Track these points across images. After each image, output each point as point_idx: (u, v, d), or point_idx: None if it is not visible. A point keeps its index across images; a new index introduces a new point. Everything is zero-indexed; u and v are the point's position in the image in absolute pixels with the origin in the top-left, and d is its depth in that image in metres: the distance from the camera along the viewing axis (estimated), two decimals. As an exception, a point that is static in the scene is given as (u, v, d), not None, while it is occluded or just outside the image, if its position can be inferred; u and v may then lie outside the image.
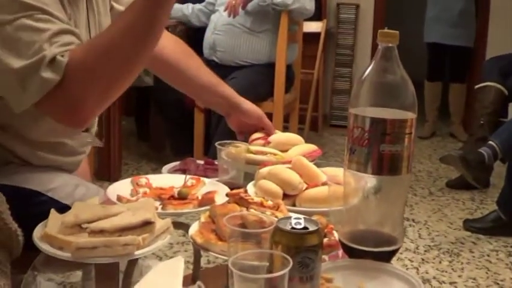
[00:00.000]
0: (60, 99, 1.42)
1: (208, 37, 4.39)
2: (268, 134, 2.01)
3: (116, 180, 4.24)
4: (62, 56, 1.40)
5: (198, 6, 4.69)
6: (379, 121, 1.20)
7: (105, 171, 4.38)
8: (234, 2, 4.16)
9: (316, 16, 4.64)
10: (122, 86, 1.52)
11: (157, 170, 4.60)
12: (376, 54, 1.25)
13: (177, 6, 4.74)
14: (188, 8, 4.70)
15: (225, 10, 4.22)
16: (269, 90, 4.14)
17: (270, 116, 4.33)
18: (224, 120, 3.93)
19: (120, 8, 1.89)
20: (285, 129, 4.39)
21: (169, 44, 2.06)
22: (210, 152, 4.09)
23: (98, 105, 1.51)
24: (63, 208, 1.68)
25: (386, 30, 1.25)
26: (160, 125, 4.80)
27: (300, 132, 4.86)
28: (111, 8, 1.90)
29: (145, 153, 5.07)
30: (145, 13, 1.43)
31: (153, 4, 1.42)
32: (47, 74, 1.38)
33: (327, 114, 6.36)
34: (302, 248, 1.10)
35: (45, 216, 1.47)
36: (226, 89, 2.17)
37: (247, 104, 2.15)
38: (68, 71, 1.39)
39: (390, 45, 1.24)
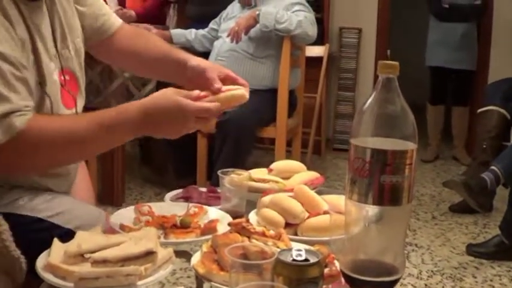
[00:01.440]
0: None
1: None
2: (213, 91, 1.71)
3: (119, 204, 4.30)
4: (19, 115, 1.46)
5: (201, 32, 4.72)
6: (380, 152, 1.20)
7: (109, 196, 4.38)
8: (236, 28, 4.18)
9: (319, 40, 4.66)
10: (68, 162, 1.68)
11: (160, 195, 4.65)
12: (376, 85, 1.26)
13: (180, 31, 4.77)
14: (191, 34, 4.73)
15: (227, 36, 4.24)
16: (272, 116, 4.15)
17: (272, 141, 4.35)
18: (227, 145, 3.98)
19: (82, 9, 1.91)
20: (288, 153, 4.40)
21: (120, 37, 2.03)
22: (213, 178, 4.09)
23: (35, 170, 1.65)
24: (65, 233, 1.70)
25: (386, 62, 1.26)
26: (163, 149, 4.81)
27: (302, 156, 4.88)
28: (83, 25, 1.92)
29: (149, 178, 5.07)
30: (109, 136, 1.58)
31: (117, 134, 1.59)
32: None
33: (329, 138, 6.37)
34: (303, 280, 1.11)
35: (47, 242, 1.48)
36: (181, 54, 2.00)
37: (196, 60, 1.95)
38: (18, 138, 1.46)
39: (391, 76, 1.25)
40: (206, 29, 4.71)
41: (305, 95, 4.83)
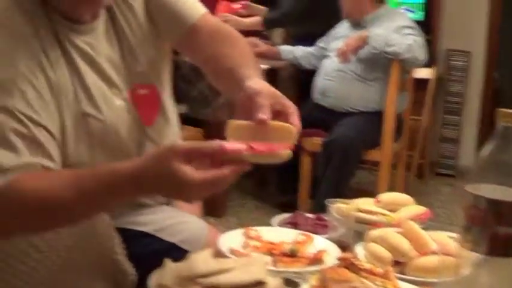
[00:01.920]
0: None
1: (319, 82, 4.44)
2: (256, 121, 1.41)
3: (221, 215, 4.36)
4: (2, 173, 1.37)
5: (309, 49, 4.74)
6: (496, 202, 1.20)
7: (211, 207, 4.43)
8: (345, 48, 4.18)
9: (426, 62, 4.61)
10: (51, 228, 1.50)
11: (261, 209, 4.70)
12: (495, 134, 1.26)
13: (288, 48, 4.81)
14: (299, 51, 4.76)
15: (336, 56, 4.25)
16: (377, 139, 4.14)
17: (376, 164, 4.32)
18: (332, 165, 3.99)
19: (166, 20, 1.75)
20: (391, 175, 4.37)
21: (202, 33, 1.76)
22: (315, 198, 4.11)
23: (11, 235, 1.48)
24: (170, 247, 1.75)
25: (505, 110, 1.26)
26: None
27: (406, 179, 4.84)
28: (156, 24, 1.75)
29: (250, 190, 5.12)
30: (95, 206, 1.41)
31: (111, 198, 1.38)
32: None
33: (433, 162, 6.28)
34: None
35: (153, 256, 1.53)
36: (247, 70, 1.63)
37: (254, 80, 1.56)
38: (2, 196, 1.36)
39: (509, 125, 1.24)
40: (314, 47, 4.73)
41: (410, 117, 4.80)
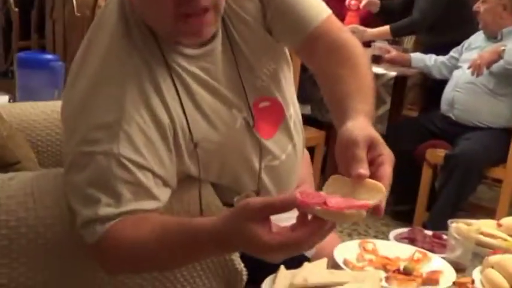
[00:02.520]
0: (92, 254, 1.46)
1: (448, 93, 4.35)
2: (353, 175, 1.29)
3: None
4: (103, 222, 1.40)
5: (440, 58, 4.65)
6: None
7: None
8: (479, 61, 4.08)
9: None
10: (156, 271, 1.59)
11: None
12: None
13: (420, 56, 4.74)
14: (431, 60, 4.67)
15: (468, 68, 4.16)
16: (503, 156, 4.00)
17: (498, 181, 4.20)
18: (453, 179, 3.90)
19: (273, 11, 1.67)
20: None
21: (323, 41, 1.66)
22: (433, 210, 4.05)
23: (127, 273, 1.59)
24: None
25: None
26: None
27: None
28: (271, 32, 1.70)
29: (366, 196, 5.07)
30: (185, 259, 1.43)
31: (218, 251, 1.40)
32: (82, 232, 1.43)
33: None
34: None
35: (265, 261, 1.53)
36: (353, 104, 1.48)
37: (354, 122, 1.41)
38: (99, 244, 1.41)
39: None
40: (446, 56, 4.63)
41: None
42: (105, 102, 1.46)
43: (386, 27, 5.06)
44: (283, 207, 1.19)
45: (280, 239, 1.19)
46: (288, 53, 1.81)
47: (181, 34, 1.52)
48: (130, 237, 1.38)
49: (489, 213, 3.87)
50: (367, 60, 1.69)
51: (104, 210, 1.40)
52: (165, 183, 1.51)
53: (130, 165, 1.42)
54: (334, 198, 1.20)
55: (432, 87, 4.79)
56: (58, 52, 5.08)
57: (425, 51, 4.87)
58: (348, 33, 1.72)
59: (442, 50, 4.66)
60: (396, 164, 4.30)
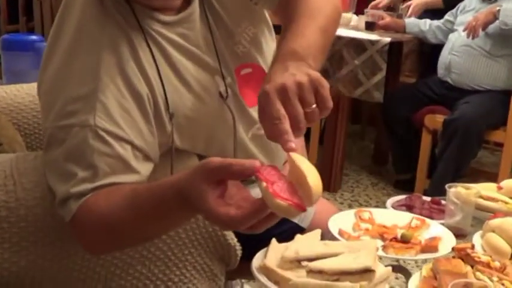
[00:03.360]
0: (73, 232, 1.40)
1: (445, 57, 4.28)
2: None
3: (335, 190, 4.33)
4: (78, 198, 1.34)
5: (435, 23, 4.58)
6: None
7: (326, 181, 4.40)
8: (474, 23, 4.01)
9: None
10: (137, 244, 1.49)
11: (377, 185, 4.63)
12: None
13: (414, 21, 4.67)
14: (426, 24, 4.60)
15: (464, 30, 4.09)
16: (503, 119, 3.94)
17: (500, 145, 4.14)
18: (453, 144, 3.85)
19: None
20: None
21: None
22: (433, 176, 4.00)
23: (110, 251, 1.49)
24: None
25: None
26: (386, 139, 4.75)
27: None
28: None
29: (367, 166, 5.04)
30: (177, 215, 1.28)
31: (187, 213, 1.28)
32: (60, 210, 1.38)
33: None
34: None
35: (259, 233, 1.48)
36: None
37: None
38: (74, 221, 1.35)
39: None
40: (441, 20, 4.57)
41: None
42: (80, 74, 1.40)
43: None
44: (240, 171, 1.10)
45: (220, 211, 1.11)
46: (267, 15, 1.74)
47: None
48: (103, 208, 1.32)
49: (491, 178, 3.80)
50: (332, 10, 1.54)
51: (80, 185, 1.35)
52: (146, 157, 1.45)
53: (107, 137, 1.37)
54: (289, 185, 1.09)
55: (429, 52, 4.71)
56: (47, 33, 5.01)
57: (422, 15, 4.81)
58: None
59: (439, 13, 4.62)
60: (395, 132, 4.28)
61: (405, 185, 4.34)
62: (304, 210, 1.08)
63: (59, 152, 1.38)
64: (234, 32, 1.63)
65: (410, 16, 4.84)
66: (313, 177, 1.10)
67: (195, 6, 1.57)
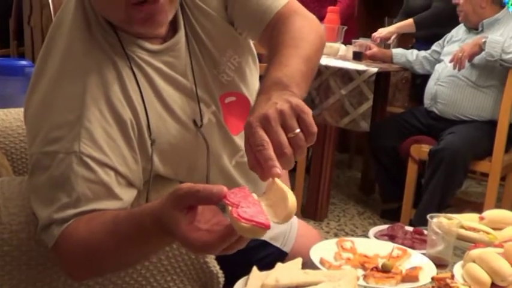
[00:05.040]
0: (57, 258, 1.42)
1: (431, 87, 4.32)
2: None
3: (322, 219, 4.33)
4: (60, 224, 1.35)
5: (422, 53, 4.63)
6: None
7: (312, 209, 4.42)
8: (460, 54, 4.05)
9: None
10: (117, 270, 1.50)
11: (363, 214, 4.63)
12: None
13: (401, 51, 4.71)
14: (413, 55, 4.65)
15: (450, 61, 4.13)
16: (488, 149, 3.98)
17: (486, 176, 4.17)
18: (439, 174, 3.87)
19: (245, 22, 1.64)
20: (500, 187, 4.20)
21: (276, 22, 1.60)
22: (419, 206, 4.01)
23: (91, 277, 1.49)
24: (260, 244, 1.72)
25: None
26: (372, 169, 4.77)
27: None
28: (236, 28, 1.67)
29: (354, 195, 5.06)
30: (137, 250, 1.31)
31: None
32: (43, 236, 1.39)
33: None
34: None
35: (242, 253, 1.49)
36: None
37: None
38: (57, 247, 1.37)
39: None
40: (428, 51, 4.62)
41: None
42: (65, 100, 1.41)
43: (409, 20, 5.02)
44: (207, 197, 1.11)
45: (192, 237, 1.12)
46: (252, 44, 1.76)
47: (134, 21, 1.45)
48: (83, 234, 1.33)
49: (477, 208, 3.82)
50: (315, 39, 1.55)
51: (63, 211, 1.35)
52: (129, 183, 1.46)
53: (91, 163, 1.38)
54: (254, 205, 1.11)
55: (420, 83, 4.75)
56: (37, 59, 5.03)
57: (413, 45, 4.85)
58: (300, 16, 1.60)
59: (432, 44, 4.67)
60: (382, 162, 4.29)
61: (392, 215, 4.35)
62: (268, 227, 1.09)
63: (43, 178, 1.39)
64: (220, 62, 1.65)
65: (383, 40, 4.91)
66: (291, 196, 1.12)
67: (181, 34, 1.59)
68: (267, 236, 1.73)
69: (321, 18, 5.04)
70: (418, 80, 4.76)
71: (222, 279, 1.68)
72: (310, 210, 4.41)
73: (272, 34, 1.56)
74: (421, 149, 4.14)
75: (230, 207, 1.09)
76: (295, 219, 1.84)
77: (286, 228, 1.80)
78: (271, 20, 1.59)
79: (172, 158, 1.56)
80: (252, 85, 1.74)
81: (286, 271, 1.41)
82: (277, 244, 1.76)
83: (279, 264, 1.47)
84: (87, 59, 1.46)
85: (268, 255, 1.48)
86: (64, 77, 1.44)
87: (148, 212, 1.22)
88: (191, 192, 1.12)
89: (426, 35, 4.95)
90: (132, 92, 1.48)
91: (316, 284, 1.35)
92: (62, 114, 1.40)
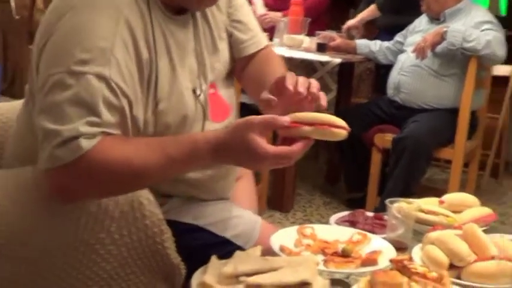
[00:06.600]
0: (59, 179, 1.44)
1: (394, 77, 4.34)
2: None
3: (288, 210, 4.35)
4: (89, 138, 1.40)
5: (385, 44, 4.65)
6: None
7: (278, 201, 4.42)
8: (423, 44, 4.07)
9: (507, 59, 4.44)
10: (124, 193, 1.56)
11: (329, 204, 4.65)
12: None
13: (365, 42, 4.73)
14: (376, 45, 4.67)
15: (413, 51, 4.15)
16: (450, 137, 4.02)
17: (449, 162, 4.21)
18: (402, 162, 3.90)
19: (236, 17, 1.87)
20: (464, 173, 4.26)
21: (257, 60, 1.93)
22: (383, 194, 4.03)
23: (91, 198, 1.53)
24: (222, 242, 1.73)
25: None
26: (337, 160, 4.78)
27: (479, 178, 4.71)
28: (231, 34, 1.87)
29: (319, 186, 5.06)
30: (175, 170, 1.54)
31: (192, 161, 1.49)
32: (60, 151, 1.40)
33: (509, 161, 6.09)
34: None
35: (204, 250, 1.51)
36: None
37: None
38: (81, 161, 1.39)
39: None
40: (391, 41, 4.63)
41: (488, 115, 4.65)
42: (99, 28, 1.48)
43: (372, 6, 5.06)
44: (278, 124, 1.42)
45: (276, 149, 1.41)
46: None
47: None
48: (127, 150, 1.45)
49: (441, 195, 3.86)
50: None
51: (91, 127, 1.41)
52: (135, 125, 1.54)
53: (118, 91, 1.46)
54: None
55: (381, 73, 4.77)
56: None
57: (377, 35, 4.88)
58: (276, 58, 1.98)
59: (395, 33, 4.68)
60: (346, 151, 4.30)
61: (357, 204, 4.34)
62: (347, 129, 1.51)
63: (66, 95, 1.42)
64: (218, 48, 1.81)
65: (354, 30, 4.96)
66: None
67: (191, 15, 1.73)
68: (229, 234, 1.74)
69: (286, 9, 5.08)
70: (382, 71, 4.76)
71: (183, 271, 1.68)
72: (276, 202, 4.41)
73: (259, 64, 1.92)
74: (385, 138, 4.16)
75: (307, 127, 1.45)
76: (258, 219, 1.85)
77: (249, 227, 1.81)
78: (257, 51, 1.92)
79: (171, 119, 1.64)
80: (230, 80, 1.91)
81: (245, 258, 1.42)
82: (239, 243, 1.77)
83: (237, 252, 1.47)
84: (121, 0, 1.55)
85: (229, 253, 1.49)
86: (98, 9, 1.51)
87: (203, 138, 1.46)
88: (267, 120, 1.41)
89: (389, 25, 4.97)
90: (151, 42, 1.58)
91: (275, 270, 1.36)
92: (93, 40, 1.46)
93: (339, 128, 1.48)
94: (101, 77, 1.43)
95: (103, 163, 1.41)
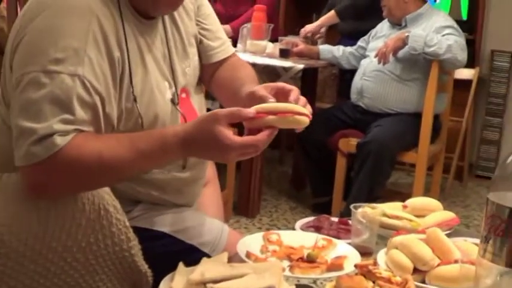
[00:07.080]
0: (35, 176, 1.46)
1: (357, 82, 4.38)
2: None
3: (254, 216, 4.35)
4: (63, 135, 1.43)
5: (348, 49, 4.69)
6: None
7: (244, 206, 4.43)
8: (384, 49, 4.11)
9: (469, 63, 4.50)
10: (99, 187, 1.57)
11: (295, 209, 4.67)
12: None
13: (328, 47, 4.77)
14: (339, 50, 4.71)
15: (375, 56, 4.19)
16: (414, 140, 4.07)
17: (414, 166, 4.25)
18: (367, 166, 3.93)
19: (205, 25, 1.92)
20: (428, 176, 4.31)
21: (225, 66, 1.98)
22: (348, 199, 4.06)
23: (67, 194, 1.53)
24: (189, 249, 1.73)
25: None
26: (302, 165, 4.80)
27: (443, 180, 4.76)
28: (201, 41, 1.92)
29: (285, 190, 5.08)
30: (146, 164, 1.58)
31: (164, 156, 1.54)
32: (35, 148, 1.43)
33: (473, 164, 6.17)
34: None
35: (171, 257, 1.51)
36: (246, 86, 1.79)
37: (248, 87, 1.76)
38: (56, 158, 1.43)
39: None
40: (354, 47, 4.68)
41: (451, 118, 4.71)
42: (73, 28, 1.51)
43: (331, 12, 5.09)
44: (243, 115, 1.47)
45: (242, 139, 1.47)
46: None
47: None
48: (98, 146, 1.47)
49: (406, 199, 3.89)
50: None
51: (64, 125, 1.44)
52: (108, 122, 1.57)
53: (91, 89, 1.49)
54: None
55: (345, 78, 4.80)
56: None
57: (340, 41, 4.94)
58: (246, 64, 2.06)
59: (358, 39, 4.73)
60: (311, 157, 4.33)
61: (323, 208, 4.36)
62: (309, 117, 1.56)
63: (40, 94, 1.44)
64: (188, 53, 1.84)
65: (313, 35, 5.04)
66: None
67: (160, 20, 1.77)
68: (196, 242, 1.75)
69: (237, 17, 5.09)
70: (347, 75, 4.79)
71: (151, 278, 1.68)
72: (242, 207, 4.42)
73: (229, 70, 1.96)
74: (349, 143, 4.19)
75: (272, 116, 1.48)
76: (225, 227, 1.86)
77: (216, 236, 1.81)
78: (225, 58, 1.97)
79: (143, 118, 1.66)
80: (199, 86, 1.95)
81: (212, 265, 1.42)
82: (206, 250, 1.77)
83: (204, 259, 1.47)
84: (92, 2, 1.57)
85: (196, 260, 1.49)
86: (70, 9, 1.54)
87: (172, 132, 1.51)
88: (232, 112, 1.47)
89: (351, 31, 5.00)
90: (122, 44, 1.62)
91: (241, 276, 1.36)
92: (67, 39, 1.49)
93: (301, 115, 1.52)
94: (75, 76, 1.46)
95: (76, 159, 1.44)
